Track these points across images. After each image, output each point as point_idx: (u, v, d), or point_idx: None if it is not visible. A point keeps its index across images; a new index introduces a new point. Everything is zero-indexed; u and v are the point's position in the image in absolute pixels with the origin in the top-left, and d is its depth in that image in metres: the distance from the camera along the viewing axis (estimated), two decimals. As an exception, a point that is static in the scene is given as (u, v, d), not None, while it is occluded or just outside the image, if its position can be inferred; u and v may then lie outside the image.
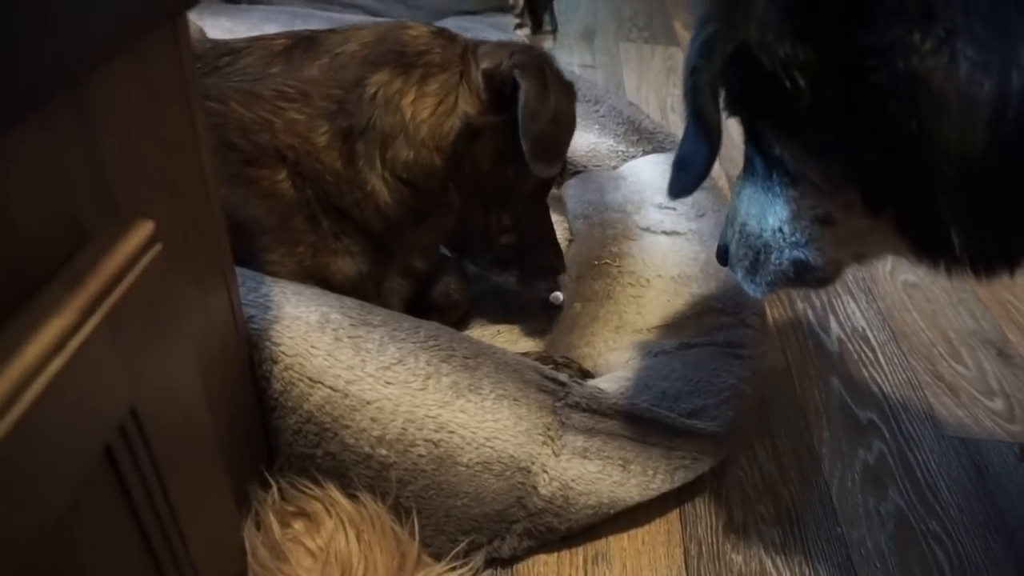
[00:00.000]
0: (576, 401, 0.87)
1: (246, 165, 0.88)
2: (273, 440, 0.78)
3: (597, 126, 1.50)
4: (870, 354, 1.18)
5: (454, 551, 0.78)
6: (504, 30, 1.98)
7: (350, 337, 0.80)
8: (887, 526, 0.91)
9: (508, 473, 0.81)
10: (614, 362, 1.02)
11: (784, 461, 0.99)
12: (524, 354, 0.98)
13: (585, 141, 1.45)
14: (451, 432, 0.79)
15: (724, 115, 0.60)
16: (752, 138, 0.65)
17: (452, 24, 1.34)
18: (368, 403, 0.77)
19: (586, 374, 1.00)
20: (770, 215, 0.68)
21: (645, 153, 1.44)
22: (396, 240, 0.98)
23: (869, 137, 0.53)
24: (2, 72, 0.31)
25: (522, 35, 2.14)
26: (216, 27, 1.62)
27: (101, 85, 0.42)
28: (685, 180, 0.66)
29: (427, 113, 0.91)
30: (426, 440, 0.78)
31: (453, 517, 0.80)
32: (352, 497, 0.75)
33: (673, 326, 1.07)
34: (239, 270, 0.70)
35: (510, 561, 0.83)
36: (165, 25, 0.49)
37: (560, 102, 0.94)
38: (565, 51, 2.18)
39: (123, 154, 0.46)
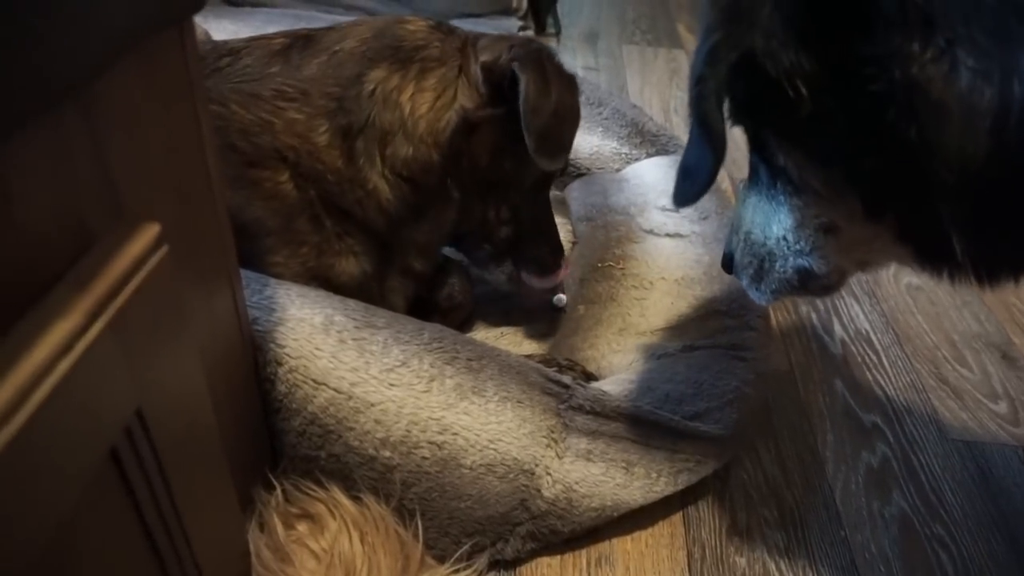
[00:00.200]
0: (580, 403, 0.87)
1: (248, 167, 0.88)
2: (277, 442, 0.78)
3: (601, 129, 1.49)
4: (874, 357, 1.17)
5: (458, 553, 0.78)
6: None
7: (354, 339, 0.80)
8: (891, 529, 0.91)
9: (512, 475, 0.81)
10: (618, 364, 1.02)
11: (788, 464, 0.99)
12: (528, 356, 0.98)
13: (589, 144, 1.45)
14: (455, 434, 0.79)
15: (728, 124, 0.60)
16: (756, 147, 0.65)
17: (456, 27, 1.34)
18: (372, 405, 0.77)
19: (590, 376, 1.00)
20: (774, 224, 0.68)
21: (648, 156, 1.44)
22: (398, 238, 0.98)
23: (869, 145, 0.54)
24: (12, 77, 0.31)
25: (525, 38, 2.14)
26: (220, 30, 1.63)
27: (108, 88, 0.42)
28: (690, 188, 0.66)
29: (425, 108, 0.91)
30: (430, 442, 0.78)
31: (457, 519, 0.80)
32: (356, 499, 0.76)
33: (677, 329, 1.07)
34: (243, 272, 0.70)
35: (513, 563, 0.83)
36: (172, 28, 0.49)
37: (562, 95, 0.93)
38: (569, 54, 2.18)
39: (129, 156, 0.46)
